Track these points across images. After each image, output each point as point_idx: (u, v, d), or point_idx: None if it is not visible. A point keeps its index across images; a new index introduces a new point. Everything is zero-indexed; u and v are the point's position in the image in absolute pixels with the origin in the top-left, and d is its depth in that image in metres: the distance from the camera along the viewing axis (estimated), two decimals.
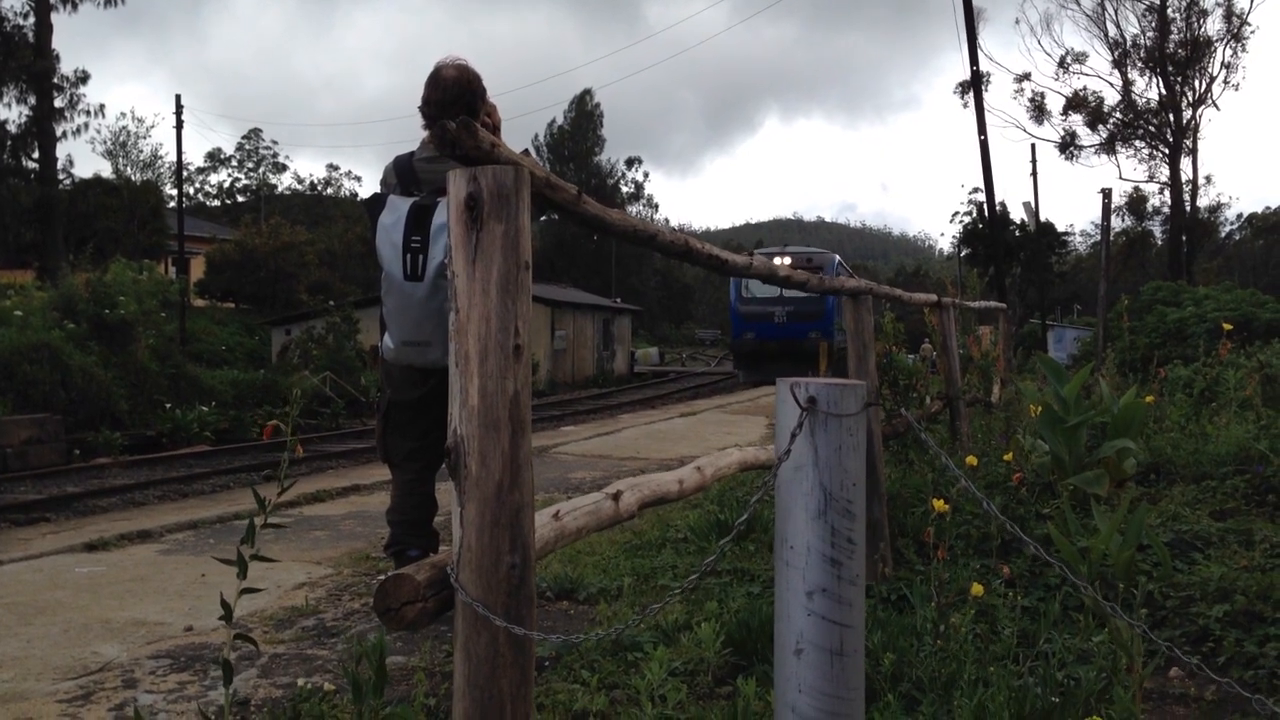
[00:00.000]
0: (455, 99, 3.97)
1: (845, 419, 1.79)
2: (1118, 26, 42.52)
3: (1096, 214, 51.98)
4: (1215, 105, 41.88)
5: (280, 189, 75.71)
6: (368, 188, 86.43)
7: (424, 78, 4.06)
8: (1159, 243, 48.81)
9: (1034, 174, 39.29)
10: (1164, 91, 42.01)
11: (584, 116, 74.33)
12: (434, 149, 3.92)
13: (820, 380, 1.82)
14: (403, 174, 4.01)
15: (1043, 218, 40.22)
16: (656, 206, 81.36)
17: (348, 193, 77.32)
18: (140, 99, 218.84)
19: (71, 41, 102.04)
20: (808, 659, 1.87)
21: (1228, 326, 8.41)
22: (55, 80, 33.10)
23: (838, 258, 34.34)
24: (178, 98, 36.01)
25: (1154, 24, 41.39)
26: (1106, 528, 4.19)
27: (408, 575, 1.91)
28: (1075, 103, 43.06)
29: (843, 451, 1.81)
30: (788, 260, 29.38)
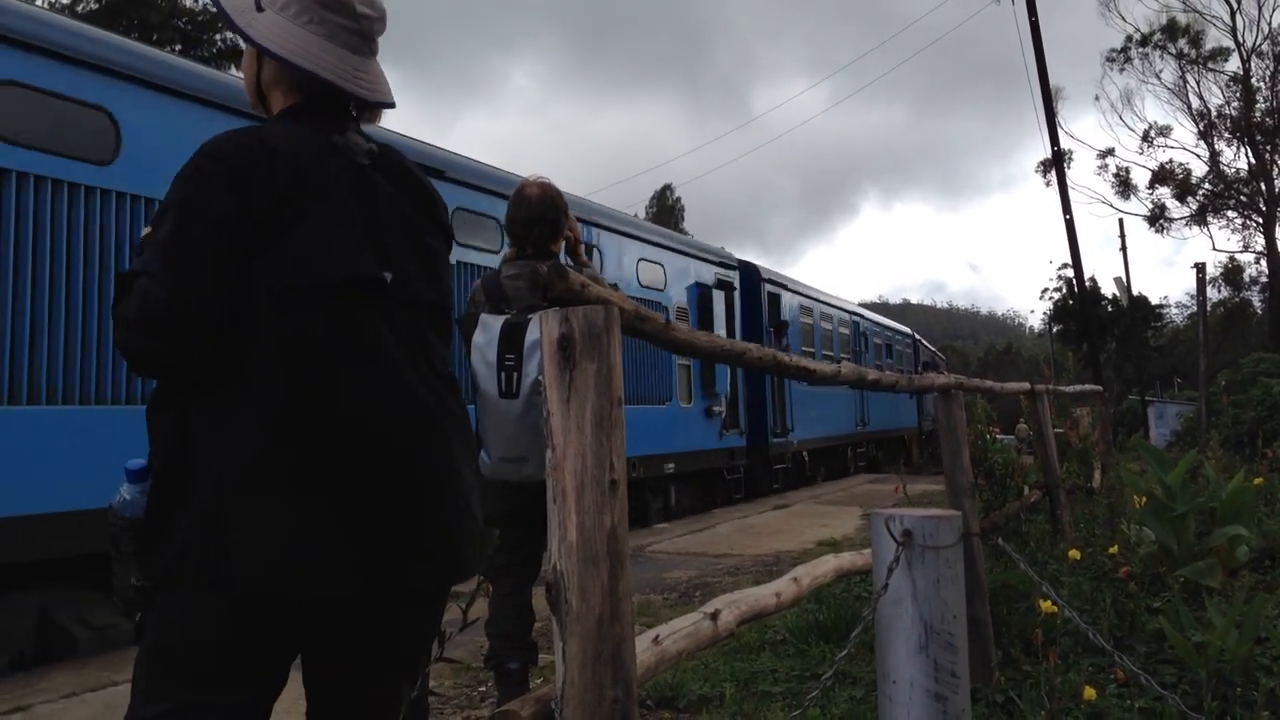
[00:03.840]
0: (539, 217, 4.12)
1: (942, 551, 1.78)
2: (1200, 98, 41.96)
3: (1191, 284, 50.87)
4: None
5: None
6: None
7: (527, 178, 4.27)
8: (1259, 312, 47.51)
9: (1123, 248, 38.96)
10: (1253, 160, 41.24)
11: (665, 211, 75.28)
12: (520, 272, 4.04)
13: (915, 512, 1.81)
14: (491, 292, 4.12)
15: (1135, 291, 39.56)
16: None
17: None
18: None
19: None
20: None
21: None
22: None
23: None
24: None
25: (1238, 94, 40.83)
26: (1222, 622, 4.05)
27: (514, 712, 1.93)
28: (1162, 176, 42.48)
29: (941, 584, 1.80)
30: None
